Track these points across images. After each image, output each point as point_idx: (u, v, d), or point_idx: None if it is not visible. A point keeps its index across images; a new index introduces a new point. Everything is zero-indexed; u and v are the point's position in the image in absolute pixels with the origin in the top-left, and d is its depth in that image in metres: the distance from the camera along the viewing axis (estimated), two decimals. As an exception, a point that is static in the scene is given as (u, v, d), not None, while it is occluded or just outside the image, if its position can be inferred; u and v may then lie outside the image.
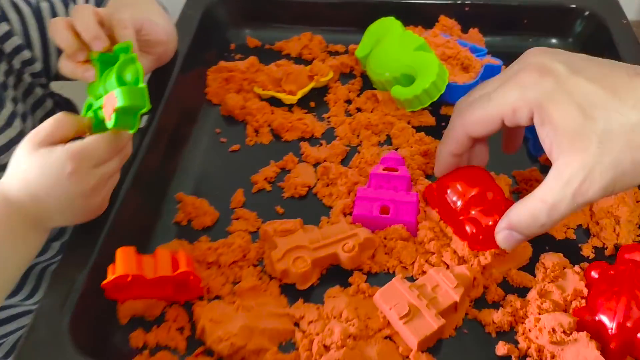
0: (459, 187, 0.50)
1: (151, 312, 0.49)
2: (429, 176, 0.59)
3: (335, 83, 0.70)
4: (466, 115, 0.46)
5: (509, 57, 0.53)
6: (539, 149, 0.50)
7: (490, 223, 0.48)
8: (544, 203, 0.42)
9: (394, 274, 0.51)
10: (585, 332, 0.44)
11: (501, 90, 0.44)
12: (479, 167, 0.52)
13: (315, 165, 0.62)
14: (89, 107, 0.51)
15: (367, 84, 0.70)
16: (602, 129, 0.39)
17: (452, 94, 0.63)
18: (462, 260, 0.51)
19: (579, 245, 0.54)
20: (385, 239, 0.53)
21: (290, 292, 0.50)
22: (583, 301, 0.47)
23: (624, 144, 0.39)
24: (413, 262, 0.52)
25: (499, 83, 0.45)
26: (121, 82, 0.47)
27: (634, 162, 0.39)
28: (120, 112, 0.45)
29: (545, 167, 0.60)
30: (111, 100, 0.46)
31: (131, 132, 0.47)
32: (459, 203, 0.50)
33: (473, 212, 0.49)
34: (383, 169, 0.56)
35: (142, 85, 0.46)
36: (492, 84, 0.46)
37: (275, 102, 0.68)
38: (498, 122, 0.44)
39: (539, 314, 0.46)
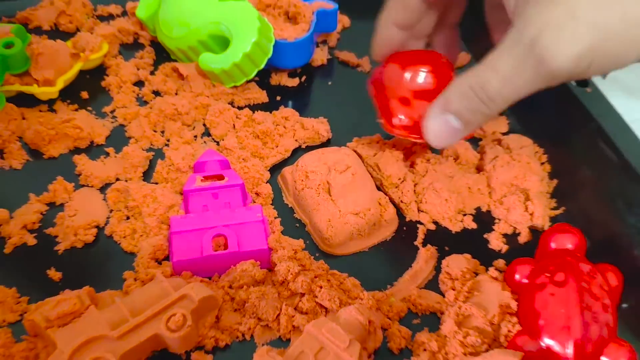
0: (399, 66, 0.38)
1: None
2: (273, 169, 0.44)
3: (116, 59, 0.50)
4: None
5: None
6: None
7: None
8: (494, 72, 0.30)
9: (253, 342, 0.35)
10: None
11: None
12: (440, 54, 0.39)
13: (104, 188, 0.41)
14: None
15: (162, 54, 0.51)
16: None
17: (283, 56, 0.49)
18: (347, 297, 0.36)
19: (484, 236, 0.41)
20: (230, 288, 0.36)
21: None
22: (515, 320, 0.35)
23: None
24: (278, 316, 0.35)
25: None
26: None
27: (624, 21, 0.28)
28: None
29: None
30: None
31: None
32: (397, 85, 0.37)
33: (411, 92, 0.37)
34: (202, 180, 0.38)
35: None
36: None
37: (25, 100, 0.46)
38: None
39: (465, 354, 0.34)
